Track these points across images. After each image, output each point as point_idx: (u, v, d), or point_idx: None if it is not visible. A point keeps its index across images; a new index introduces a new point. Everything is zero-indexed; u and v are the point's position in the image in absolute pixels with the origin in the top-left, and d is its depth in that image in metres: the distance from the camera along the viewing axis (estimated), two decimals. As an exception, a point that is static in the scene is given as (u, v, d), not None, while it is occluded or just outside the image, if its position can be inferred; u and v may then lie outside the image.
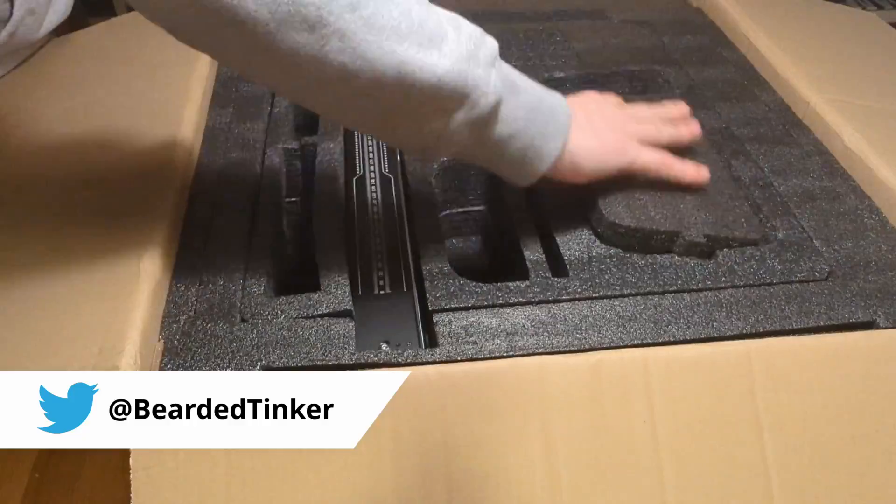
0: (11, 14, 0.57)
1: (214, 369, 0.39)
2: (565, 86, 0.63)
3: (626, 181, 0.47)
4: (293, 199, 0.55)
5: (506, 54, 0.65)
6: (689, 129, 0.51)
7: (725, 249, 0.46)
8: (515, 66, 0.58)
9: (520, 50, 0.66)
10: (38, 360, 0.37)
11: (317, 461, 0.36)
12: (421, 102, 0.36)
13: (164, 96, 0.58)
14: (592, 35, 0.69)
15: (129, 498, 0.35)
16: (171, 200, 0.47)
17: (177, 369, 0.39)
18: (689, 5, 0.78)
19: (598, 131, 0.45)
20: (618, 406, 0.38)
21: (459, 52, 0.36)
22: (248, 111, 0.58)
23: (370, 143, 0.57)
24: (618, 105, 0.50)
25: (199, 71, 0.60)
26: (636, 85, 0.64)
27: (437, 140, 0.38)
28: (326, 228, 0.47)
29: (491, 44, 0.38)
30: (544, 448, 0.37)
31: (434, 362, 0.39)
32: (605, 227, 0.46)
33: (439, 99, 0.36)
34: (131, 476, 0.35)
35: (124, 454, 0.35)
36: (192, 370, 0.39)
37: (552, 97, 0.43)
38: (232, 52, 0.33)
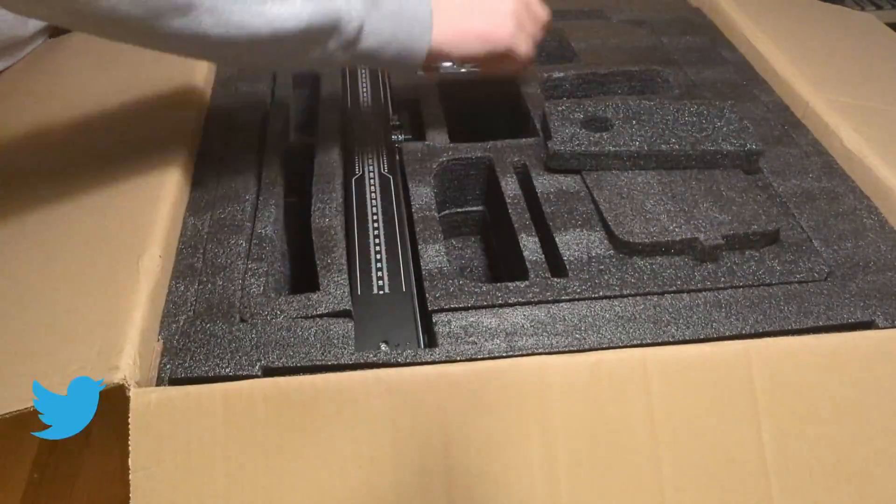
0: None
1: (214, 369, 0.39)
2: (564, 85, 0.63)
3: (628, 193, 0.49)
4: (292, 198, 0.55)
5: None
6: None
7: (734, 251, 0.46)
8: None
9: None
10: (37, 359, 0.37)
11: (316, 461, 0.36)
12: (296, 44, 0.41)
13: (163, 97, 0.58)
14: (591, 35, 0.69)
15: (129, 498, 0.35)
16: (170, 201, 0.47)
17: (176, 369, 0.39)
18: (688, 5, 0.78)
19: (468, 18, 0.48)
20: (617, 406, 0.38)
21: None
22: (246, 111, 0.58)
23: (370, 143, 0.57)
24: None
25: (199, 71, 0.60)
26: (635, 85, 0.64)
27: (318, 62, 0.44)
28: (325, 228, 0.47)
29: None
30: (543, 448, 0.37)
31: (433, 362, 0.39)
32: (619, 246, 0.46)
33: (311, 37, 0.41)
34: (131, 476, 0.35)
35: (124, 454, 0.35)
36: (192, 370, 0.39)
37: (412, 2, 0.45)
38: (126, 39, 0.38)
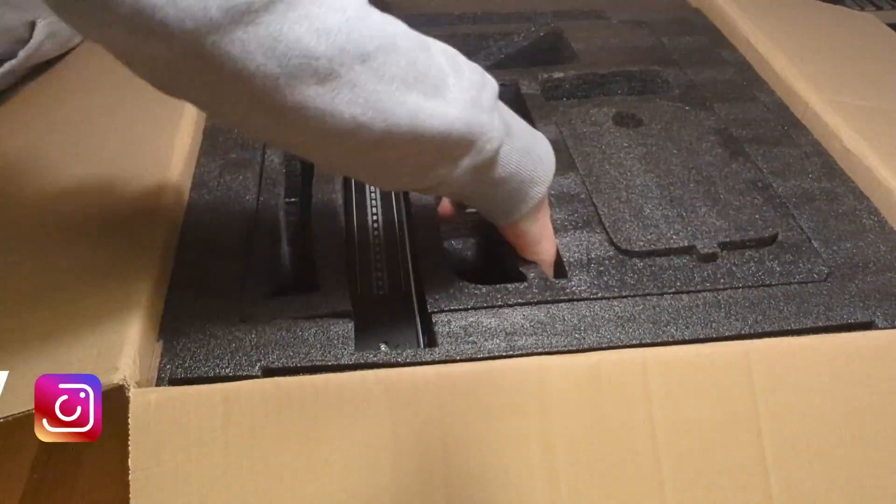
0: (31, 37, 0.57)
1: (214, 370, 0.39)
2: (564, 86, 0.63)
3: (627, 196, 0.49)
4: (292, 199, 0.55)
5: (504, 54, 0.65)
6: None
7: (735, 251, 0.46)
8: (515, 68, 0.58)
9: (519, 50, 0.66)
10: (37, 360, 0.37)
11: (316, 461, 0.36)
12: (430, 150, 0.36)
13: (162, 105, 0.57)
14: (591, 35, 0.69)
15: (129, 498, 0.35)
16: (171, 200, 0.47)
17: (176, 369, 0.39)
18: (687, 6, 0.78)
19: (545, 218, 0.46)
20: (616, 406, 0.38)
21: (464, 99, 0.36)
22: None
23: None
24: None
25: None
26: (635, 85, 0.64)
27: (438, 184, 0.39)
28: (325, 229, 0.47)
29: (491, 86, 0.38)
30: (543, 448, 0.37)
31: (433, 362, 0.39)
32: (617, 253, 0.46)
33: (448, 146, 0.36)
34: (131, 476, 0.35)
35: (124, 454, 0.35)
36: (192, 370, 0.39)
37: (541, 143, 0.43)
38: (230, 106, 0.32)
